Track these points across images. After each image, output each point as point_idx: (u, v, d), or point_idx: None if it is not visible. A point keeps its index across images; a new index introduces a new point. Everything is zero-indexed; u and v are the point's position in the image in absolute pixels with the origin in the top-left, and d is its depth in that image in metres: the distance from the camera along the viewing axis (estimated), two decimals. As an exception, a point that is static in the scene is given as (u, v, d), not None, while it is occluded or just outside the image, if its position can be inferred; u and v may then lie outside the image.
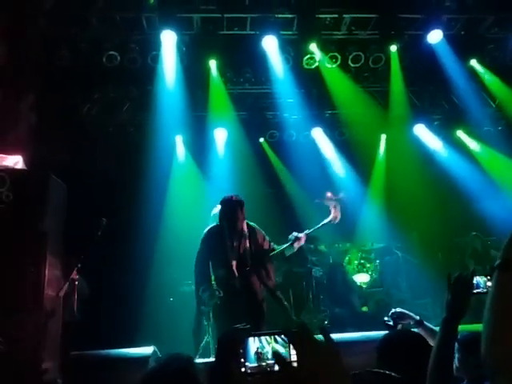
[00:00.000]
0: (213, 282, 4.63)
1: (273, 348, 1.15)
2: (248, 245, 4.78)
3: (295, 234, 4.83)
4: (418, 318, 2.91)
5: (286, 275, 6.94)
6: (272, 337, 1.20)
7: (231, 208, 4.68)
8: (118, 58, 6.51)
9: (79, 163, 7.18)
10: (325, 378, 0.98)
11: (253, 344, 1.22)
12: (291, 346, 1.06)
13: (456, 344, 2.63)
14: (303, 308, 6.73)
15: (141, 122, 7.65)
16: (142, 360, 3.84)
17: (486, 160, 8.25)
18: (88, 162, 7.39)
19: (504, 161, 7.90)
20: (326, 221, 5.12)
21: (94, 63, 6.60)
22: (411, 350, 2.29)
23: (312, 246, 7.39)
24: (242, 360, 1.19)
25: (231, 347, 1.44)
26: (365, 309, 7.08)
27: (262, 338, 1.21)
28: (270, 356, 1.17)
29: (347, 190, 8.99)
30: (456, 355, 2.71)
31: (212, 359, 4.18)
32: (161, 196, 7.44)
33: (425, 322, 2.88)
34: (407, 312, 2.96)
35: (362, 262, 7.98)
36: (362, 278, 7.87)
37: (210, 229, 4.93)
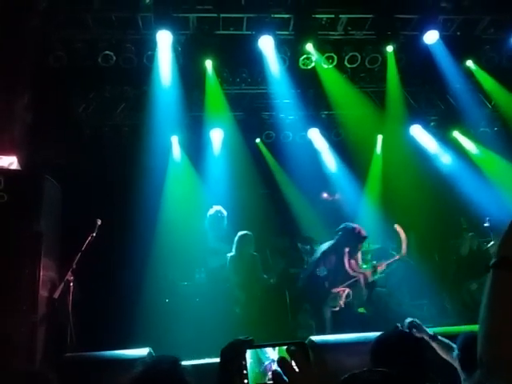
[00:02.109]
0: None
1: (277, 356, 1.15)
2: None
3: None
4: (432, 333, 2.93)
5: (282, 276, 6.91)
6: (275, 348, 1.19)
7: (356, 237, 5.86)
8: (114, 57, 6.48)
9: (74, 163, 7.15)
10: None
11: (255, 355, 1.21)
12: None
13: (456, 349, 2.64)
14: (299, 309, 6.70)
15: (136, 122, 7.62)
16: (137, 361, 3.80)
17: (483, 161, 8.25)
18: (83, 163, 7.36)
19: (500, 162, 7.91)
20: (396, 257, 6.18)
21: (90, 63, 6.55)
22: (404, 351, 2.30)
23: (308, 247, 7.36)
24: (245, 372, 1.18)
25: (233, 359, 1.44)
26: (362, 310, 7.05)
27: (265, 349, 1.20)
28: (272, 367, 1.17)
29: (343, 190, 9.00)
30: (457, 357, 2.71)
31: (201, 361, 4.17)
32: (157, 197, 7.40)
33: (439, 337, 2.89)
34: (422, 326, 2.98)
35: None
36: (358, 279, 7.82)
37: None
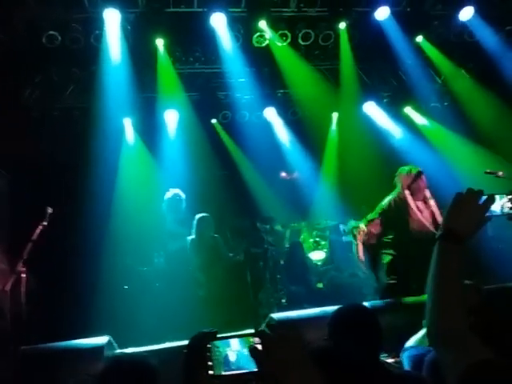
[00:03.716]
0: None
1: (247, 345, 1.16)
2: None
3: None
4: None
5: (243, 256, 6.94)
6: (239, 339, 1.20)
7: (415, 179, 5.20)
8: (59, 38, 6.19)
9: (23, 150, 6.86)
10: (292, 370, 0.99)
11: (220, 346, 1.21)
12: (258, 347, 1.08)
13: None
14: (261, 288, 6.78)
15: (87, 105, 7.34)
16: (97, 350, 3.74)
17: (434, 135, 8.48)
18: (33, 149, 7.07)
19: (450, 135, 8.15)
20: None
21: (33, 44, 6.24)
22: (357, 324, 2.35)
23: (268, 227, 7.42)
24: (210, 363, 1.19)
25: (198, 352, 1.43)
26: (320, 285, 7.21)
27: (229, 340, 1.21)
28: (236, 358, 1.18)
29: (301, 169, 9.08)
30: None
31: (164, 345, 4.15)
32: (111, 181, 7.21)
33: None
34: None
35: (317, 239, 8.11)
36: (317, 256, 8.00)
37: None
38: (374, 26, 6.90)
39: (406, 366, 2.73)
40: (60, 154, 7.21)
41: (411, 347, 2.86)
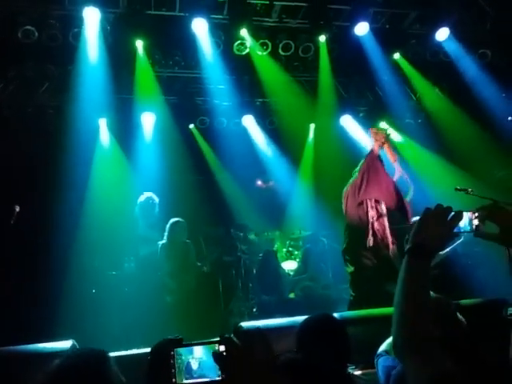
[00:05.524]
0: None
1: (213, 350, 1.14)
2: None
3: None
4: None
5: (216, 264, 6.90)
6: (203, 346, 1.18)
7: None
8: (36, 33, 6.07)
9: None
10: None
11: (184, 354, 1.19)
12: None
13: None
14: (233, 296, 6.73)
15: (61, 103, 7.20)
16: (60, 354, 3.61)
17: (407, 150, 8.64)
18: (3, 146, 6.88)
19: (423, 152, 8.32)
20: None
21: (8, 38, 6.10)
22: (324, 334, 2.36)
23: (241, 235, 7.39)
24: (173, 371, 1.16)
25: (162, 358, 1.40)
26: (292, 295, 7.22)
27: (193, 348, 1.19)
28: (198, 366, 1.16)
29: (277, 178, 9.11)
30: None
31: (129, 352, 4.05)
32: (83, 182, 7.07)
33: None
34: None
35: (291, 249, 8.13)
36: (289, 265, 8.01)
37: None
38: (353, 41, 7.02)
39: (381, 375, 2.74)
40: (31, 152, 7.04)
41: (385, 351, 2.88)
